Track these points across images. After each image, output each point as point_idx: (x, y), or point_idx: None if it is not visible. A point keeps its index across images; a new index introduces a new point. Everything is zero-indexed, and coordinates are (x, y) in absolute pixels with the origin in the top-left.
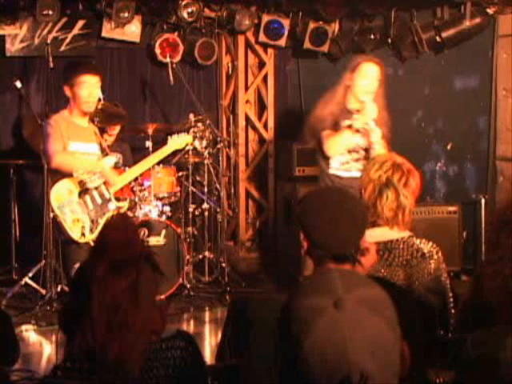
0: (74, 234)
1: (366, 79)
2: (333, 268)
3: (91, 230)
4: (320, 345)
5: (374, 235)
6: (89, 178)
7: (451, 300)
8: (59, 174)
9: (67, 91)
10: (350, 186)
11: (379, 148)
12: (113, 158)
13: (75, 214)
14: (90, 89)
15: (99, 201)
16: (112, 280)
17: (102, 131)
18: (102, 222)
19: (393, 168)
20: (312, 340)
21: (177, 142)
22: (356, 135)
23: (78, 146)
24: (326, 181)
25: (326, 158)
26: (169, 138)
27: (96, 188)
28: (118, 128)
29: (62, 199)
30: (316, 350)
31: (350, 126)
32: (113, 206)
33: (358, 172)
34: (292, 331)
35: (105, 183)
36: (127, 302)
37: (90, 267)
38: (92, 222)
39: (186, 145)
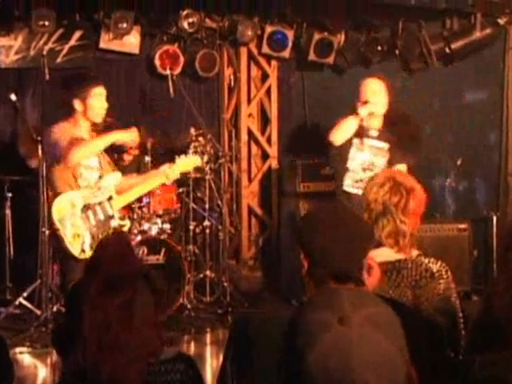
0: (74, 249)
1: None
2: (339, 287)
3: (91, 247)
4: (324, 359)
5: (380, 255)
6: (92, 193)
7: (461, 321)
8: (59, 189)
9: (78, 104)
10: (358, 203)
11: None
12: (117, 175)
13: (76, 229)
14: (102, 100)
15: (101, 217)
16: (105, 298)
17: (122, 151)
18: None
19: (391, 191)
20: (316, 354)
21: (186, 162)
22: (371, 152)
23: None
24: (339, 196)
25: (341, 175)
26: (177, 158)
27: (99, 203)
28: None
29: (64, 212)
30: (320, 364)
31: (356, 114)
32: (115, 223)
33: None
34: (297, 344)
35: (109, 199)
36: (120, 321)
37: (84, 285)
38: (93, 238)
39: (196, 167)
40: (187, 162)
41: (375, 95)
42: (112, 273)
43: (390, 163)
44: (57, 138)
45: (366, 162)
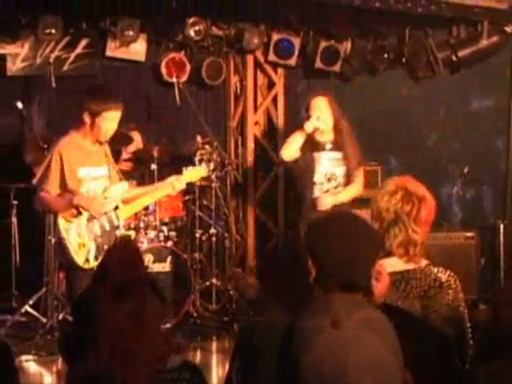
0: (79, 258)
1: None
2: (335, 293)
3: (96, 257)
4: (318, 363)
5: (390, 265)
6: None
7: (469, 331)
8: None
9: (87, 118)
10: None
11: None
12: (124, 185)
13: (82, 239)
14: (112, 123)
15: (107, 227)
16: (115, 305)
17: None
18: None
19: (402, 200)
20: (311, 358)
21: (192, 173)
22: (329, 164)
23: (87, 172)
24: (309, 206)
25: (309, 188)
26: (184, 169)
27: (105, 213)
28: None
29: (70, 221)
30: (314, 369)
31: (302, 128)
32: (120, 233)
33: None
34: (292, 350)
35: (115, 209)
36: (131, 327)
37: (93, 292)
38: (97, 248)
39: (201, 178)
40: (193, 173)
41: (321, 112)
42: (119, 279)
43: (349, 170)
44: (46, 167)
45: (327, 173)
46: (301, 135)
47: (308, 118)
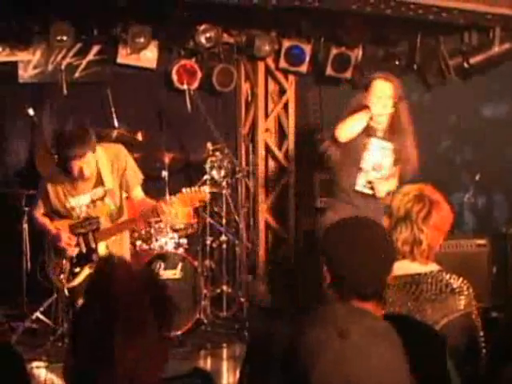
0: (53, 276)
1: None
2: (337, 303)
3: (68, 279)
4: (328, 376)
5: (400, 268)
6: (80, 223)
7: (482, 339)
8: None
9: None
10: (374, 203)
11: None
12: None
13: (57, 257)
14: (84, 166)
15: (83, 249)
16: (130, 340)
17: None
18: (80, 272)
19: (414, 200)
20: (319, 372)
21: (186, 197)
22: (379, 153)
23: (79, 201)
24: (342, 196)
25: (352, 175)
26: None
27: (84, 235)
28: None
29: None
30: (325, 381)
31: (366, 108)
32: (96, 257)
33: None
34: (299, 366)
35: (94, 231)
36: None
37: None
38: (70, 270)
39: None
40: (187, 196)
41: (383, 96)
42: (129, 311)
43: (395, 164)
44: (39, 191)
45: (376, 162)
46: (366, 117)
47: (368, 100)
